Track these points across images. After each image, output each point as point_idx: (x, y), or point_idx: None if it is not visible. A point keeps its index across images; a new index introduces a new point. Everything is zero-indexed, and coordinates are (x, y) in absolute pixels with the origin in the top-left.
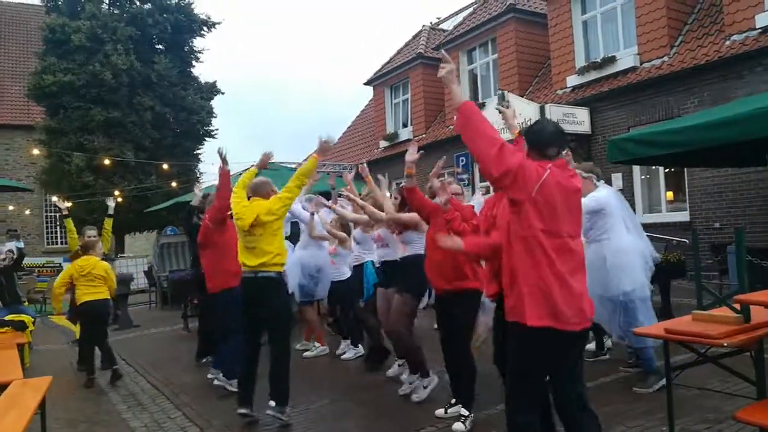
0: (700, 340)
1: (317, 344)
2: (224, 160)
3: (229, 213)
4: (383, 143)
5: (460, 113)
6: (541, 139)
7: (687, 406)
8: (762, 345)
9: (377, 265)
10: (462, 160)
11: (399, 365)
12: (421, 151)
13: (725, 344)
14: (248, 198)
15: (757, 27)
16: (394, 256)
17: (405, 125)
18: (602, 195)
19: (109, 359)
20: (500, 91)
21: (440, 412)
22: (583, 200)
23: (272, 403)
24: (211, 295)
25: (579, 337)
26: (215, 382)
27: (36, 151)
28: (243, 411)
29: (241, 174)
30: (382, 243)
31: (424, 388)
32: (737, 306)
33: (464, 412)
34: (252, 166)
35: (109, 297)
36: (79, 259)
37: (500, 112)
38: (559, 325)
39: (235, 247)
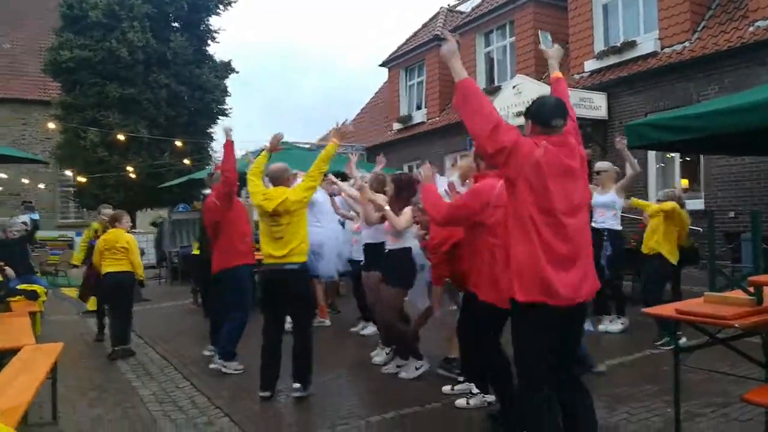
0: (711, 321)
1: (320, 318)
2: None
3: (235, 188)
4: (396, 125)
5: (459, 89)
6: (544, 112)
7: (694, 390)
8: None
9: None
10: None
11: (387, 353)
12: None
13: (737, 325)
14: (272, 185)
15: None
16: (377, 239)
17: (419, 108)
18: None
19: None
20: (544, 32)
21: (447, 388)
22: None
23: (296, 385)
24: (213, 275)
25: (574, 312)
26: (211, 365)
27: (52, 125)
28: (265, 395)
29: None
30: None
31: (416, 369)
32: (750, 289)
33: (475, 390)
34: (263, 149)
35: (130, 269)
36: (106, 232)
37: (543, 52)
38: (551, 300)
39: (242, 226)
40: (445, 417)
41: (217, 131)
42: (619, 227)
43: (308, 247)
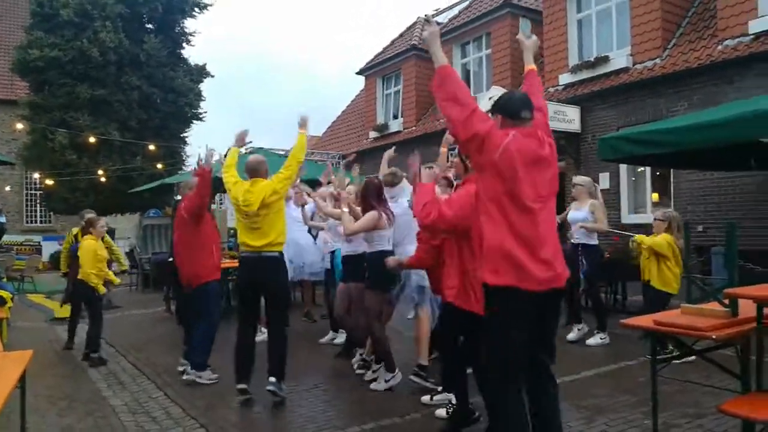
0: (688, 333)
1: None
2: (207, 161)
3: (206, 206)
4: (373, 134)
5: (437, 74)
6: (513, 104)
7: (670, 401)
8: (748, 340)
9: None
10: (451, 154)
11: (359, 353)
12: None
13: (714, 337)
14: (248, 177)
15: (749, 33)
16: (354, 251)
17: (396, 117)
18: None
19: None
20: (526, 20)
21: (426, 398)
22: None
23: (272, 379)
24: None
25: (546, 297)
26: (184, 376)
27: (20, 126)
28: (242, 386)
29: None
30: (346, 237)
31: (386, 381)
32: (726, 301)
33: (454, 400)
34: (232, 146)
35: (83, 278)
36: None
37: (520, 42)
38: (522, 284)
39: (210, 242)
40: (425, 428)
41: (195, 133)
42: (595, 242)
43: (285, 238)
